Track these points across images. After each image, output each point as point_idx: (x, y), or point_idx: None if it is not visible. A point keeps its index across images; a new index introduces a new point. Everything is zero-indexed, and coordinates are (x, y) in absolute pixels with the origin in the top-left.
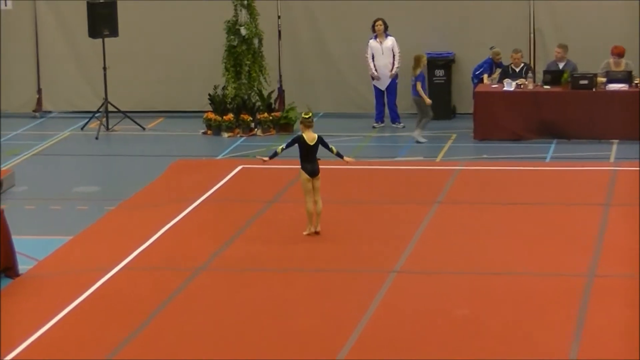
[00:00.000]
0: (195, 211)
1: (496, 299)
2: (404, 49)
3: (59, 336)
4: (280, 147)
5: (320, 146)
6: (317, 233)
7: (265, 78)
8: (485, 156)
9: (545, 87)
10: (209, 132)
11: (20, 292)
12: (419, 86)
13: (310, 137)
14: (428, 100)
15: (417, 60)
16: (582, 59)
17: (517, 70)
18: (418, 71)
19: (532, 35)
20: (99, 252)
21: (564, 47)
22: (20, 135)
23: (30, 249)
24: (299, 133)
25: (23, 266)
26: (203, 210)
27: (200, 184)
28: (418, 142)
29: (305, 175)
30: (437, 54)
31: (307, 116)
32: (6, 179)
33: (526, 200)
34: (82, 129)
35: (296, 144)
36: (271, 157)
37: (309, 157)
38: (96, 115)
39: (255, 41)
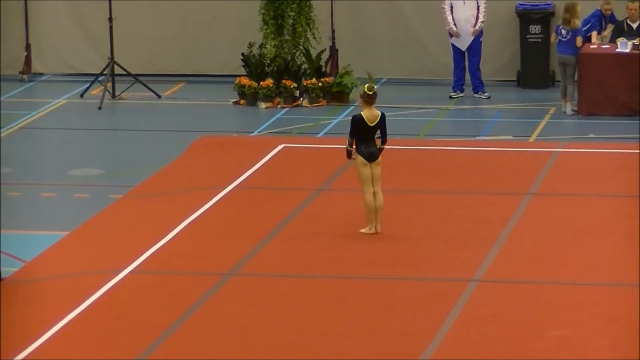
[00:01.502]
0: (223, 201)
1: (602, 316)
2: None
3: (50, 357)
4: (348, 142)
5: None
6: (376, 233)
7: (313, 34)
8: (591, 136)
9: None
10: (242, 101)
11: (3, 300)
12: (579, 41)
13: (372, 115)
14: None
15: (574, 8)
16: None
17: (635, 26)
18: (578, 22)
19: None
20: (102, 251)
21: None
22: (3, 104)
23: (15, 247)
24: (357, 113)
25: (6, 268)
26: (233, 201)
27: (230, 167)
28: (570, 114)
29: (360, 159)
30: (532, 5)
31: (370, 92)
32: None
33: None
34: (81, 96)
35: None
36: (350, 157)
37: (367, 137)
38: (99, 79)
39: None
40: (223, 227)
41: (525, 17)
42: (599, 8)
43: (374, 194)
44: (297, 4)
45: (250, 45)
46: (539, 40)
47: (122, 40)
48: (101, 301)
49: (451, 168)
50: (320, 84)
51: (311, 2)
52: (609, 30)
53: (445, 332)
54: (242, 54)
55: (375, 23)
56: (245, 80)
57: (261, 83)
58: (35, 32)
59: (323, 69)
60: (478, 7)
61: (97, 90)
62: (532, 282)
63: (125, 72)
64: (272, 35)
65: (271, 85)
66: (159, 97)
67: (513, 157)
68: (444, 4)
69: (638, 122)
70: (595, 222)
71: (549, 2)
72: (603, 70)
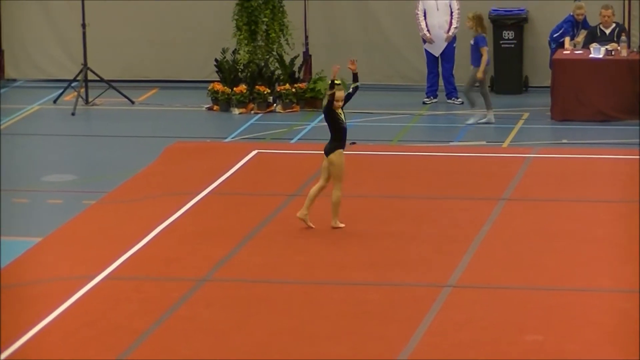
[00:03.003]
0: (197, 207)
1: (576, 321)
2: (465, 5)
3: None
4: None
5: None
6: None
7: (287, 40)
8: (565, 141)
9: None
10: (216, 107)
11: None
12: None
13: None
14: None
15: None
16: None
17: (608, 32)
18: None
19: None
20: (75, 257)
21: None
22: None
23: None
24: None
25: None
26: (207, 206)
27: (204, 172)
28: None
29: (343, 157)
30: (505, 11)
31: (338, 82)
32: None
33: (616, 197)
34: (54, 102)
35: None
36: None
37: (342, 133)
38: (72, 85)
39: None
40: (197, 233)
41: (498, 22)
42: (571, 13)
43: (322, 188)
44: (271, 9)
45: (224, 51)
46: (512, 45)
47: (95, 46)
48: (75, 307)
49: (425, 173)
50: (293, 90)
51: (284, 7)
52: (582, 35)
53: (420, 337)
54: (216, 60)
55: (349, 29)
56: (219, 86)
57: (235, 89)
58: (8, 38)
59: (296, 75)
60: (451, 12)
61: (70, 96)
62: (506, 287)
63: (98, 78)
64: (246, 41)
65: (245, 91)
66: (133, 102)
67: (486, 162)
68: (418, 10)
69: (611, 127)
70: (568, 228)
71: (522, 7)
72: (576, 76)
